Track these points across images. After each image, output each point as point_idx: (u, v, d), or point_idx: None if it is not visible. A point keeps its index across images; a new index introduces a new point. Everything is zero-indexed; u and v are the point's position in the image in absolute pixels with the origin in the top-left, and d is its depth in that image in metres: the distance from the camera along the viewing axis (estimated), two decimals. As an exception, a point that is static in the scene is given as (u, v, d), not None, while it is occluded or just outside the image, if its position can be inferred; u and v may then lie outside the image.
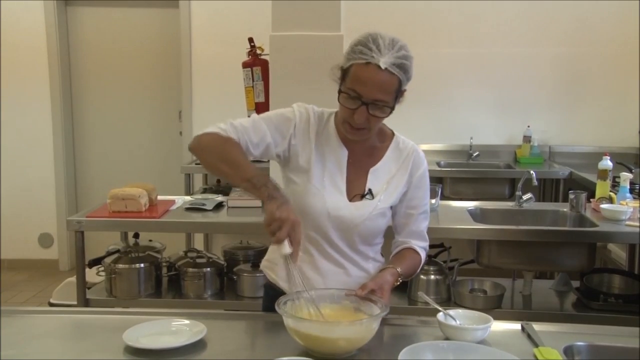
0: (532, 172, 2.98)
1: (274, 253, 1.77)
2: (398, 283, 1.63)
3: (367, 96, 1.52)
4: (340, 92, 1.58)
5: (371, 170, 1.70)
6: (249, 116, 3.37)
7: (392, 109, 1.57)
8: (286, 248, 1.45)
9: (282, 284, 1.72)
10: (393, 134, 1.75)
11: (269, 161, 3.33)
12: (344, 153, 1.69)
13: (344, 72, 1.57)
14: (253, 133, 1.64)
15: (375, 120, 1.57)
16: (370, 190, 1.68)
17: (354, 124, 1.57)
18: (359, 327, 1.39)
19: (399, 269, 1.63)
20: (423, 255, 1.76)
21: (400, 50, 1.53)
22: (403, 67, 1.53)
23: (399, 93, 1.57)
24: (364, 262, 1.72)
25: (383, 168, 1.70)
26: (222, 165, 1.58)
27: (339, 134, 1.69)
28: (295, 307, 1.48)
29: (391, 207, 1.71)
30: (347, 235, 1.68)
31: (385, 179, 1.70)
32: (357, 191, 1.68)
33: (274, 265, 1.76)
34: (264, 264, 1.84)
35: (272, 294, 1.65)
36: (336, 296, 1.54)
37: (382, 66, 1.50)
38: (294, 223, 1.44)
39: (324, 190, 1.66)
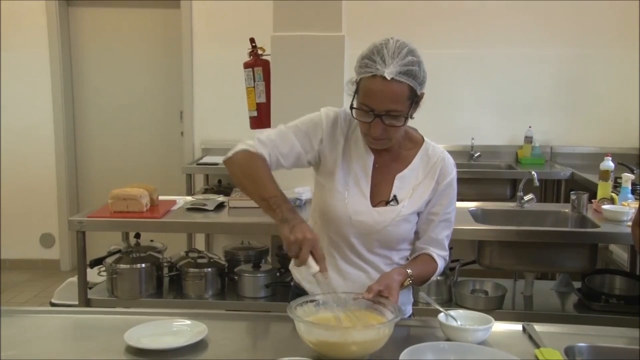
0: (533, 172, 2.97)
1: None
2: (408, 283, 1.61)
3: (379, 108, 1.52)
4: (352, 107, 1.58)
5: (398, 176, 1.67)
6: (250, 117, 3.39)
7: (407, 117, 1.55)
8: (313, 267, 1.45)
9: (305, 285, 1.74)
10: (423, 140, 1.73)
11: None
12: (370, 158, 1.68)
13: (357, 87, 1.57)
14: (281, 144, 1.64)
15: (394, 129, 1.56)
16: (395, 196, 1.66)
17: (372, 136, 1.57)
18: (372, 332, 1.37)
19: (408, 270, 1.61)
20: (440, 263, 1.72)
21: (407, 56, 1.51)
22: (411, 74, 1.51)
23: (414, 99, 1.55)
24: (386, 266, 1.69)
25: (410, 174, 1.68)
26: (246, 182, 1.61)
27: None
28: (306, 311, 1.47)
29: (418, 214, 1.69)
30: (368, 240, 1.66)
31: (412, 185, 1.67)
32: (382, 197, 1.66)
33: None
34: (292, 264, 1.82)
35: (298, 294, 1.65)
36: (343, 299, 1.52)
37: (388, 77, 1.49)
38: (313, 241, 1.44)
39: (347, 194, 1.65)
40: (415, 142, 1.72)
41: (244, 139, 1.66)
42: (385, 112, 1.52)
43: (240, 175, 1.62)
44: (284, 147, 1.64)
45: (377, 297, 1.49)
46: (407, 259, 1.75)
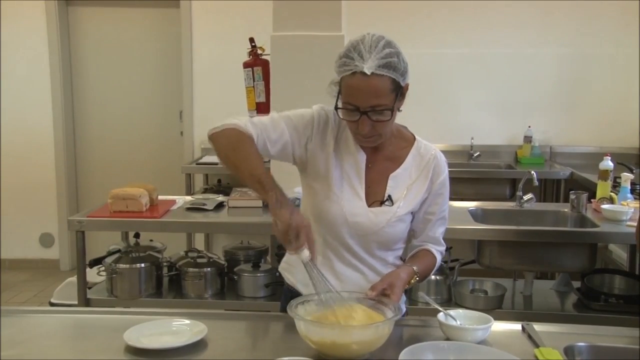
0: (533, 172, 2.97)
1: (291, 255, 1.72)
2: (414, 281, 1.61)
3: (364, 105, 1.50)
4: (336, 107, 1.57)
5: (391, 176, 1.66)
6: (250, 117, 3.39)
7: (393, 110, 1.53)
8: (306, 254, 1.44)
9: (300, 287, 1.71)
10: (414, 138, 1.71)
11: (269, 160, 3.35)
12: (362, 158, 1.66)
13: (339, 87, 1.56)
14: (272, 130, 1.62)
15: (381, 125, 1.54)
16: (390, 196, 1.64)
17: (362, 134, 1.56)
18: (372, 331, 1.37)
19: (415, 267, 1.61)
20: (438, 257, 1.72)
21: (384, 48, 1.49)
22: (391, 66, 1.49)
23: (398, 91, 1.53)
24: (383, 267, 1.68)
25: (403, 174, 1.67)
26: (234, 157, 1.55)
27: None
28: (307, 310, 1.46)
29: (412, 213, 1.68)
30: (365, 241, 1.65)
31: (405, 185, 1.66)
32: (376, 197, 1.65)
33: (292, 267, 1.75)
34: (282, 266, 1.82)
35: (291, 297, 1.61)
36: (346, 298, 1.51)
37: (368, 72, 1.47)
38: (309, 227, 1.43)
39: (342, 196, 1.64)
40: (407, 140, 1.70)
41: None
42: (370, 108, 1.50)
43: (228, 149, 1.57)
44: (274, 134, 1.62)
45: (380, 295, 1.48)
46: (401, 258, 1.75)
